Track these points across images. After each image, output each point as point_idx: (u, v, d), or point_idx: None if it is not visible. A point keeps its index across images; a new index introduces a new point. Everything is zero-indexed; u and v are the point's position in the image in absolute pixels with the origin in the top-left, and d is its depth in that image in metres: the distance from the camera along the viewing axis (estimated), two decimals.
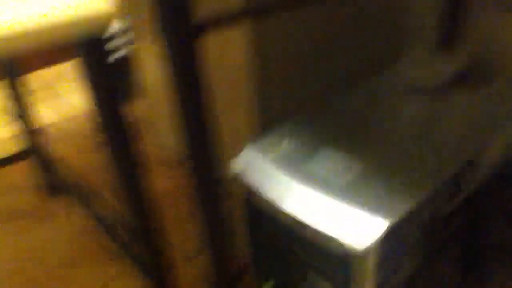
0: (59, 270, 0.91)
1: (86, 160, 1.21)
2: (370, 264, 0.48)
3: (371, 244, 0.47)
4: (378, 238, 0.47)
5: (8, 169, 1.19)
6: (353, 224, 0.48)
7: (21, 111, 1.01)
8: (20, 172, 1.19)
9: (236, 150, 0.59)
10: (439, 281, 0.70)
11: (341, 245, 0.48)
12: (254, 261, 0.66)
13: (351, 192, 0.51)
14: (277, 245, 0.57)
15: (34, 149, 1.08)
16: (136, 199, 0.69)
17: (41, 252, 0.96)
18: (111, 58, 1.16)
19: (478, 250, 0.78)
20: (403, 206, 0.49)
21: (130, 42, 0.91)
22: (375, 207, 0.49)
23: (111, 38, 1.23)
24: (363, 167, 0.53)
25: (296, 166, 0.55)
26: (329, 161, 0.55)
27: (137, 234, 0.74)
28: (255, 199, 0.55)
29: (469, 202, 0.63)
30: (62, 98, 1.42)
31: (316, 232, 0.49)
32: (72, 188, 1.12)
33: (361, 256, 0.48)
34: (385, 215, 0.48)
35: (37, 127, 1.06)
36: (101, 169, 1.16)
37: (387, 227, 0.48)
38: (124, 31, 1.21)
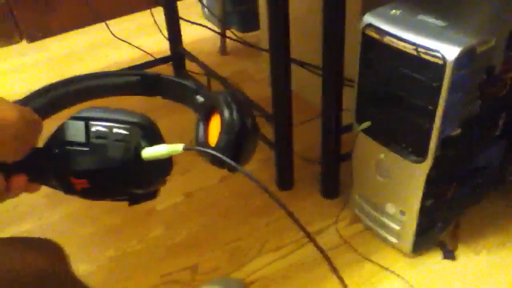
0: None
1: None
2: (456, 72, 0.74)
3: (458, 54, 0.72)
4: (461, 51, 0.73)
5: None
6: (445, 44, 0.74)
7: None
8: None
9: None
10: (487, 140, 0.96)
11: (438, 54, 0.74)
12: (357, 106, 0.92)
13: (441, 32, 0.77)
14: (382, 76, 0.85)
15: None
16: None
17: None
18: None
19: None
20: (473, 41, 0.75)
21: None
22: (457, 38, 0.75)
23: None
24: (447, 23, 0.79)
25: (405, 19, 0.81)
26: (426, 19, 0.80)
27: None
28: (376, 34, 0.82)
29: None
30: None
31: (420, 47, 0.76)
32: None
33: (451, 63, 0.73)
34: (462, 42, 0.74)
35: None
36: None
37: (464, 47, 0.73)
38: None
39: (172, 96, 0.67)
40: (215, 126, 0.57)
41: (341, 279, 0.55)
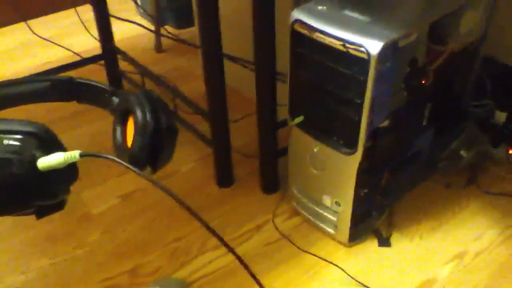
0: None
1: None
2: (380, 65, 0.75)
3: (381, 48, 0.74)
4: (384, 45, 0.74)
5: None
6: (369, 39, 0.75)
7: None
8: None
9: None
10: (415, 129, 1.00)
11: (362, 49, 0.75)
12: (290, 101, 0.93)
13: (365, 27, 0.78)
14: (312, 70, 0.86)
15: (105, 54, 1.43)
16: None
17: None
18: None
19: (445, 113, 1.07)
20: (395, 35, 0.77)
21: None
22: (380, 33, 0.76)
23: None
24: (372, 18, 0.80)
25: (331, 15, 0.82)
26: (352, 14, 0.82)
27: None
28: (304, 30, 0.83)
29: (440, 68, 0.91)
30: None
31: (345, 42, 0.77)
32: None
33: (375, 57, 0.74)
34: (385, 37, 0.76)
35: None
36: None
37: (387, 41, 0.75)
38: None
39: (88, 100, 0.65)
40: (131, 127, 0.57)
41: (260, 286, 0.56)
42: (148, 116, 0.54)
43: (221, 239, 0.49)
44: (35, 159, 0.45)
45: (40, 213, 0.48)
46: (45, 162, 0.45)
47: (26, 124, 0.46)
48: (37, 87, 0.62)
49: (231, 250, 0.50)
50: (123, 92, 0.60)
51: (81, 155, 0.47)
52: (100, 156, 0.48)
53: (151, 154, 0.54)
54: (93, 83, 0.63)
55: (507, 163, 1.13)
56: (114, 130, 0.58)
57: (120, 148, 0.57)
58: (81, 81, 0.63)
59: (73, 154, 0.46)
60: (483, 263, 0.95)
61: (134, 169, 0.48)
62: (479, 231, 1.01)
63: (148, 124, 0.54)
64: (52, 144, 0.47)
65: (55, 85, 0.63)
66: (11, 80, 0.61)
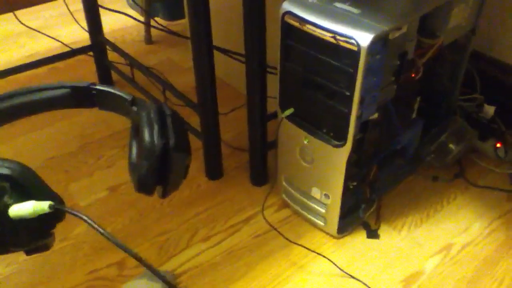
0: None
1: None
2: (370, 57, 0.75)
3: (371, 40, 0.74)
4: (374, 38, 0.74)
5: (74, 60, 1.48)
6: (359, 31, 0.75)
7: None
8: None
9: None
10: (404, 122, 1.02)
11: (352, 41, 0.75)
12: (280, 93, 0.93)
13: (356, 19, 0.78)
14: (302, 62, 0.85)
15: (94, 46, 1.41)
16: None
17: None
18: None
19: (434, 107, 1.10)
20: (386, 28, 0.77)
21: None
22: (371, 25, 0.76)
23: None
24: (362, 10, 0.80)
25: (322, 6, 0.82)
26: (342, 6, 0.81)
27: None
28: (294, 21, 0.82)
29: (430, 62, 0.92)
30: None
31: (335, 34, 0.77)
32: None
33: (365, 49, 0.74)
34: (375, 29, 0.76)
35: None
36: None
37: (377, 34, 0.75)
38: None
39: (108, 107, 0.62)
40: None
41: None
42: (155, 137, 0.51)
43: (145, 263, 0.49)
44: (7, 207, 0.42)
45: (28, 252, 0.46)
46: (16, 211, 0.42)
47: (2, 164, 0.42)
48: (56, 94, 0.60)
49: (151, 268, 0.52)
50: (141, 102, 0.57)
51: (50, 207, 0.43)
52: (71, 213, 0.45)
53: (158, 176, 0.52)
54: (111, 90, 0.60)
55: (495, 157, 1.14)
56: (130, 145, 0.56)
57: (132, 165, 0.55)
58: (100, 88, 0.61)
59: (42, 206, 0.43)
60: (470, 255, 0.96)
61: (93, 224, 0.45)
62: (466, 224, 1.02)
63: (155, 146, 0.51)
64: (28, 189, 0.43)
65: (74, 92, 0.60)
66: (28, 87, 0.59)
